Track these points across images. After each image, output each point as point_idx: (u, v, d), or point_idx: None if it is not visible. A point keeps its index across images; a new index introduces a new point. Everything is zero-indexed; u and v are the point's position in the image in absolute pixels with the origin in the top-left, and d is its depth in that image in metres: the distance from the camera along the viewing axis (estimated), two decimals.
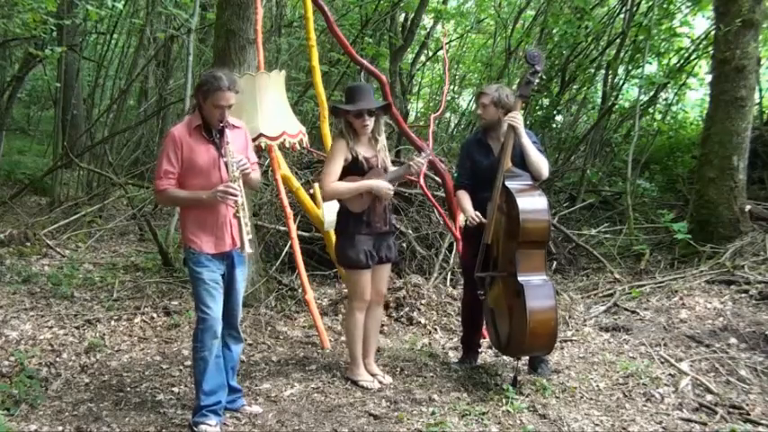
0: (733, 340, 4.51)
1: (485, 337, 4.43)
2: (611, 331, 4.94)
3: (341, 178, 3.83)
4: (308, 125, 8.00)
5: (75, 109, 10.83)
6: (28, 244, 6.83)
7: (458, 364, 4.33)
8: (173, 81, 10.96)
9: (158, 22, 10.45)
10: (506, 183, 3.83)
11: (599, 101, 10.79)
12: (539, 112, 10.42)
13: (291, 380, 4.05)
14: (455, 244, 5.55)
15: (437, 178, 6.18)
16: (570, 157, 10.26)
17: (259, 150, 4.23)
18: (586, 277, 6.59)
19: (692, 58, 9.49)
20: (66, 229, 7.67)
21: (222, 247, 3.38)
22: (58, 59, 9.24)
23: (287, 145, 4.41)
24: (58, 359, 4.30)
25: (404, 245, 6.32)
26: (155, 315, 5.10)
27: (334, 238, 4.21)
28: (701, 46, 9.17)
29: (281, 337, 4.87)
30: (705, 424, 3.46)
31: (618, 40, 9.61)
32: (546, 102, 10.55)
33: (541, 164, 3.95)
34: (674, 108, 10.67)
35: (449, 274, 6.15)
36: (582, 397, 3.81)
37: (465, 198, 4.11)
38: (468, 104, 13.06)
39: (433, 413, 3.55)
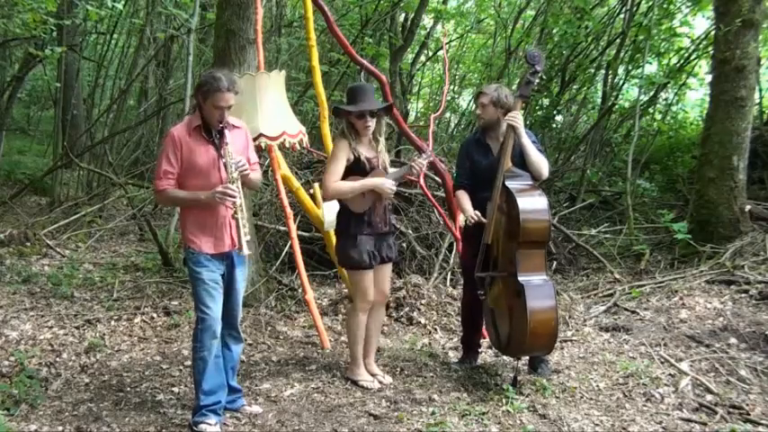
0: (733, 340, 4.51)
1: (485, 337, 4.43)
2: (611, 331, 4.94)
3: (343, 179, 3.83)
4: (308, 125, 8.01)
5: (75, 109, 10.83)
6: (28, 244, 6.83)
7: (458, 364, 4.33)
8: (173, 81, 10.96)
9: (158, 22, 10.45)
10: (506, 183, 3.83)
11: (599, 101, 10.79)
12: (539, 112, 10.42)
13: (291, 380, 4.05)
14: (455, 244, 5.55)
15: (437, 178, 6.18)
16: (570, 157, 10.26)
17: (259, 150, 4.22)
18: (586, 277, 6.59)
19: (692, 58, 9.49)
20: (66, 229, 7.67)
21: (221, 247, 3.38)
22: (58, 59, 9.24)
23: (287, 145, 4.41)
24: (58, 359, 4.30)
25: (404, 245, 6.32)
26: (155, 315, 5.10)
27: (334, 238, 4.21)
28: (701, 46, 9.17)
29: (281, 337, 4.87)
30: (705, 424, 3.46)
31: (618, 40, 9.61)
32: (546, 102, 10.55)
33: (541, 164, 3.94)
34: (674, 108, 10.67)
35: (449, 274, 6.15)
36: (582, 397, 3.81)
37: (464, 198, 4.11)
38: (468, 104, 13.05)
39: (433, 413, 3.55)
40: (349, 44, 5.35)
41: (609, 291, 5.92)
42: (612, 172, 10.11)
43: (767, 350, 4.34)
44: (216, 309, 3.35)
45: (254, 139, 4.14)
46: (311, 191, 5.25)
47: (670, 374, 4.09)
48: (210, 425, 3.32)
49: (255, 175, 3.53)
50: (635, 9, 9.24)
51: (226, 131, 3.30)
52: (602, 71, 10.24)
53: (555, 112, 10.66)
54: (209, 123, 3.32)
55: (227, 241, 3.39)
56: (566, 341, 4.77)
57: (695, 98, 11.29)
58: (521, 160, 3.94)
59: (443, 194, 5.73)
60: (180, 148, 3.28)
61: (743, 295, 5.21)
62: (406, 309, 5.27)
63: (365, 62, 5.41)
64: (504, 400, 3.68)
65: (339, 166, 3.82)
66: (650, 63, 9.55)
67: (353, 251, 3.84)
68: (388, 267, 4.07)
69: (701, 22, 9.46)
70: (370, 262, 3.86)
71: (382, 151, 3.99)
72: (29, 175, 10.44)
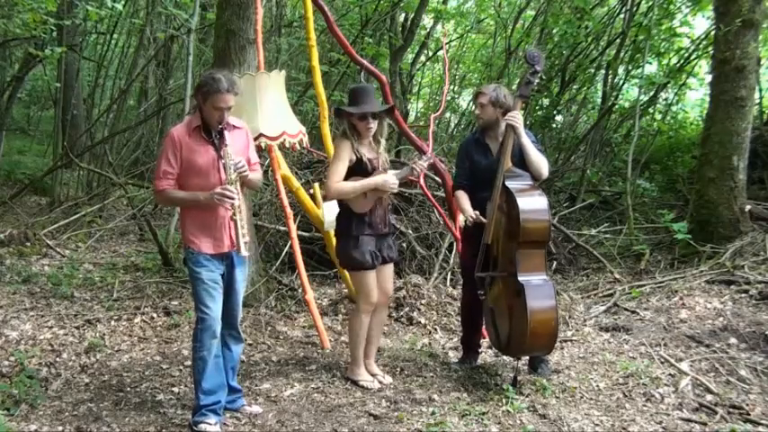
0: (733, 340, 4.51)
1: (485, 337, 4.43)
2: (611, 331, 4.94)
3: (345, 179, 3.83)
4: (308, 125, 8.01)
5: (76, 109, 10.83)
6: (28, 244, 6.82)
7: (458, 364, 4.33)
8: (173, 81, 10.96)
9: (158, 22, 10.45)
10: (506, 182, 3.83)
11: (599, 101, 10.79)
12: (539, 112, 10.42)
13: (291, 380, 4.05)
14: (455, 244, 5.55)
15: (437, 178, 6.18)
16: (570, 157, 10.26)
17: (259, 150, 4.22)
18: (586, 277, 6.59)
19: (692, 58, 9.49)
20: (66, 229, 7.67)
21: (221, 247, 3.38)
22: (57, 59, 9.24)
23: (287, 145, 4.41)
24: (58, 359, 4.30)
25: (404, 245, 6.32)
26: (155, 315, 5.10)
27: (333, 238, 4.21)
28: (701, 46, 9.17)
29: (281, 337, 4.87)
30: (705, 424, 3.46)
31: (618, 40, 9.61)
32: (546, 102, 10.55)
33: (541, 163, 3.94)
34: (674, 108, 10.67)
35: (449, 274, 6.15)
36: (582, 397, 3.81)
37: (464, 198, 4.11)
38: (468, 104, 13.05)
39: (433, 413, 3.55)
40: (349, 44, 5.35)
41: (609, 291, 5.92)
42: (612, 172, 10.11)
43: (767, 350, 4.34)
44: (216, 309, 3.36)
45: (255, 139, 4.14)
46: (311, 191, 5.25)
47: (670, 374, 4.09)
48: (210, 425, 3.32)
49: (256, 175, 3.53)
50: (635, 9, 9.24)
51: (225, 133, 3.30)
52: (602, 71, 10.24)
53: (555, 112, 10.66)
54: (209, 124, 3.32)
55: (226, 242, 3.39)
56: (566, 341, 4.77)
57: (695, 98, 11.29)
58: (520, 160, 3.94)
59: (443, 194, 5.73)
60: (179, 149, 3.29)
61: (743, 295, 5.21)
62: (406, 309, 5.27)
63: (365, 62, 5.41)
64: (504, 400, 3.68)
65: (342, 167, 3.82)
66: (650, 63, 9.54)
67: (356, 252, 3.84)
68: (390, 267, 4.07)
69: (701, 22, 9.46)
70: (372, 262, 3.85)
71: (383, 152, 4.00)
72: (29, 175, 10.44)
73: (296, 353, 4.56)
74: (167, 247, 6.34)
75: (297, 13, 11.22)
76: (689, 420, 3.51)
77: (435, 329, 5.10)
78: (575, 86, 10.69)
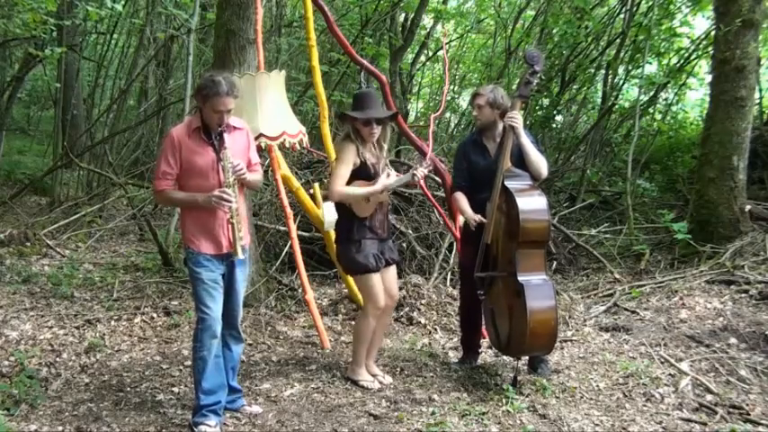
0: (733, 340, 4.51)
1: (485, 337, 4.43)
2: (611, 331, 4.94)
3: (348, 182, 3.83)
4: (308, 125, 8.00)
5: (76, 109, 10.83)
6: (28, 244, 6.82)
7: (458, 364, 4.33)
8: (173, 81, 10.95)
9: (158, 22, 10.45)
10: (506, 183, 3.84)
11: (599, 101, 10.79)
12: (539, 112, 10.42)
13: (291, 380, 4.05)
14: (455, 244, 5.55)
15: (437, 178, 6.18)
16: (570, 157, 10.26)
17: (259, 150, 4.22)
18: (586, 277, 6.59)
19: (692, 58, 9.49)
20: (66, 229, 7.67)
21: (221, 248, 3.38)
22: (57, 59, 9.24)
23: (287, 145, 4.41)
24: (58, 359, 4.30)
25: (404, 245, 6.32)
26: (155, 315, 5.10)
27: (333, 238, 4.20)
28: (701, 46, 9.17)
29: (281, 337, 4.87)
30: (705, 424, 3.46)
31: (618, 40, 9.61)
32: (546, 102, 10.55)
33: (541, 163, 3.95)
34: (674, 108, 10.67)
35: (449, 274, 6.14)
36: (582, 397, 3.81)
37: (463, 200, 4.11)
38: (468, 104, 13.05)
39: (433, 413, 3.55)
40: (349, 44, 5.35)
41: (609, 291, 5.93)
42: (612, 172, 10.11)
43: (767, 350, 4.34)
44: (216, 309, 3.36)
45: (255, 139, 4.14)
46: (311, 191, 5.25)
47: (670, 374, 4.09)
48: (210, 426, 3.32)
49: (256, 176, 3.53)
50: (635, 9, 9.24)
51: (225, 135, 3.30)
52: (602, 71, 10.24)
53: (555, 112, 10.66)
54: (209, 126, 3.33)
55: (224, 243, 3.39)
56: (566, 341, 4.77)
57: (695, 98, 11.29)
58: (519, 160, 3.94)
59: (443, 194, 5.73)
60: (179, 149, 3.29)
61: (743, 295, 5.21)
62: (406, 309, 5.27)
63: (365, 62, 5.41)
64: (504, 400, 3.69)
65: (346, 170, 3.82)
66: (650, 63, 9.54)
67: (359, 255, 3.83)
68: (394, 269, 4.06)
69: (701, 22, 9.46)
70: (376, 264, 3.84)
71: (385, 157, 4.00)
72: (29, 175, 10.44)
73: (296, 353, 4.56)
74: (167, 247, 6.34)
75: (297, 13, 11.22)
76: (689, 420, 3.51)
77: (435, 329, 5.10)
78: (575, 86, 10.69)
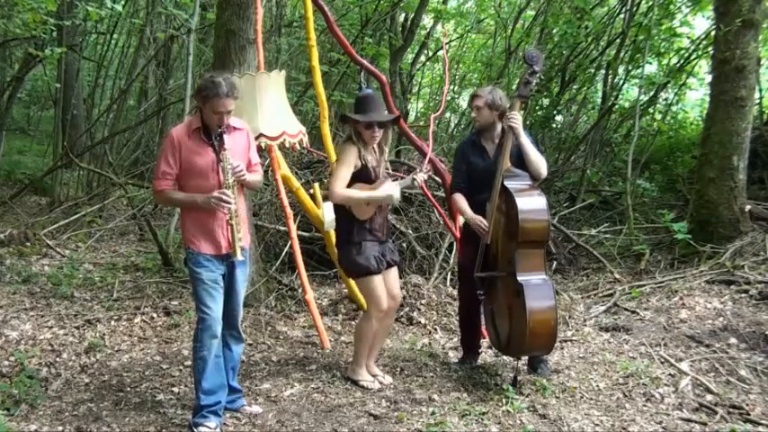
0: (733, 340, 4.51)
1: (485, 337, 4.43)
2: (611, 331, 4.94)
3: (349, 185, 3.83)
4: (308, 125, 8.00)
5: (76, 109, 10.83)
6: (28, 244, 6.82)
7: (458, 364, 4.33)
8: (173, 81, 10.95)
9: (158, 22, 10.45)
10: (505, 183, 3.84)
11: (599, 101, 10.79)
12: (539, 112, 10.42)
13: (291, 380, 4.05)
14: (455, 244, 5.55)
15: (437, 178, 6.18)
16: (570, 157, 10.26)
17: (259, 150, 4.22)
18: (586, 277, 6.59)
19: (692, 58, 9.49)
20: (66, 229, 7.67)
21: (220, 249, 3.39)
22: (57, 59, 9.24)
23: (287, 145, 4.41)
24: (58, 359, 4.30)
25: (404, 245, 6.32)
26: (155, 315, 5.10)
27: (333, 238, 4.20)
28: (701, 46, 9.17)
29: (281, 337, 4.87)
30: (705, 424, 3.46)
31: (618, 40, 9.61)
32: (546, 102, 10.55)
33: (540, 163, 3.95)
34: (674, 108, 10.67)
35: (449, 274, 6.14)
36: (582, 397, 3.81)
37: (462, 201, 4.11)
38: (467, 105, 13.04)
39: (433, 413, 3.55)
40: (349, 44, 5.35)
41: (609, 291, 5.93)
42: (612, 172, 10.11)
43: (767, 350, 4.34)
44: (216, 309, 3.36)
45: (255, 139, 4.14)
46: (311, 191, 5.25)
47: (670, 374, 4.09)
48: (210, 427, 3.32)
49: (256, 176, 3.53)
50: (635, 9, 9.24)
51: (225, 136, 3.30)
52: (602, 71, 10.24)
53: (555, 112, 10.66)
54: (209, 126, 3.33)
55: (224, 243, 3.39)
56: (566, 341, 4.77)
57: (695, 98, 11.29)
58: (518, 160, 3.94)
59: (443, 194, 5.72)
60: (179, 150, 3.29)
61: (743, 295, 5.21)
62: (406, 309, 5.27)
63: (365, 62, 5.41)
64: (504, 400, 3.69)
65: (347, 172, 3.82)
66: (650, 63, 9.54)
67: (360, 258, 3.83)
68: (395, 271, 4.06)
69: (701, 22, 9.46)
70: (378, 266, 3.84)
71: (386, 160, 4.00)
72: (29, 175, 10.44)
73: (296, 353, 4.56)
74: (167, 247, 6.34)
75: (297, 13, 11.22)
76: (689, 420, 3.51)
77: (435, 329, 5.10)
78: (575, 86, 10.69)
